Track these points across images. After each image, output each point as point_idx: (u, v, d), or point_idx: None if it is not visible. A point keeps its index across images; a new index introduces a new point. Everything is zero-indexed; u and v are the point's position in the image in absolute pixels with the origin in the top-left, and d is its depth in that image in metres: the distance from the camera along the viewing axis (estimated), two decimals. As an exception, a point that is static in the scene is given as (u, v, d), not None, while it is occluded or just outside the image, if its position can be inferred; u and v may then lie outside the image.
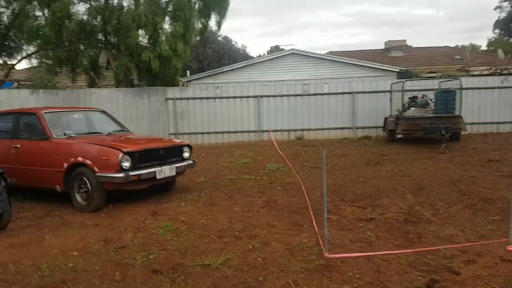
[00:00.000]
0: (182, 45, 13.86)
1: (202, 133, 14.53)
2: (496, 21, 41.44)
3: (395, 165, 9.09)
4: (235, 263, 4.07)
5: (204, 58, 31.90)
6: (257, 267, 3.98)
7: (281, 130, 14.56)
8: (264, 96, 14.49)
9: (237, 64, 20.07)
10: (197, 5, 14.96)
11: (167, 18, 14.89)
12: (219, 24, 15.18)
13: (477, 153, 10.09)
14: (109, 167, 6.02)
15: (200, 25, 15.23)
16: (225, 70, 18.99)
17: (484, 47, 43.74)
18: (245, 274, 3.78)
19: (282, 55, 19.07)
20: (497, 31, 42.55)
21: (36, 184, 6.80)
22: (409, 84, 13.13)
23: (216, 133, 14.60)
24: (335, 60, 18.81)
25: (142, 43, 14.83)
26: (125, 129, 8.02)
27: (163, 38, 13.91)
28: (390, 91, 13.76)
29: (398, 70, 18.54)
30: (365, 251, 4.29)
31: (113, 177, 6.00)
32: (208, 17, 15.10)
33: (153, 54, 13.58)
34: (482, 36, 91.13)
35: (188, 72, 22.96)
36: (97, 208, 6.15)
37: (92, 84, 16.12)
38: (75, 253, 4.48)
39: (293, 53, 18.72)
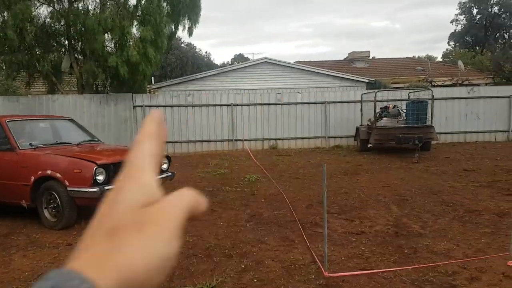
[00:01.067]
0: (153, 51, 13.40)
1: (173, 142, 14.07)
2: (452, 33, 43.34)
3: (372, 175, 9.06)
4: (230, 286, 3.81)
5: (167, 64, 31.44)
6: (254, 289, 3.71)
7: (255, 139, 14.34)
8: (237, 104, 14.25)
9: (210, 71, 19.74)
10: (166, 10, 14.55)
11: (135, 23, 14.38)
12: (190, 30, 14.80)
13: (450, 163, 10.24)
14: (81, 181, 5.57)
15: (169, 31, 14.80)
16: (197, 77, 18.62)
17: (439, 58, 45.54)
18: (243, 299, 3.51)
19: (255, 64, 18.91)
20: (452, 43, 44.48)
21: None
22: (379, 95, 13.28)
23: (188, 142, 14.20)
24: (306, 70, 18.85)
25: (108, 47, 14.25)
26: (95, 139, 7.54)
27: (131, 43, 13.40)
28: (360, 101, 13.85)
29: (367, 81, 18.81)
30: (364, 269, 4.13)
31: (86, 191, 5.55)
32: (178, 22, 14.71)
33: (120, 59, 13.04)
34: (437, 48, 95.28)
35: (152, 78, 22.36)
36: (68, 225, 5.68)
37: (52, 90, 15.32)
38: (49, 278, 4.05)
39: (265, 61, 18.61)
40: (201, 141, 14.24)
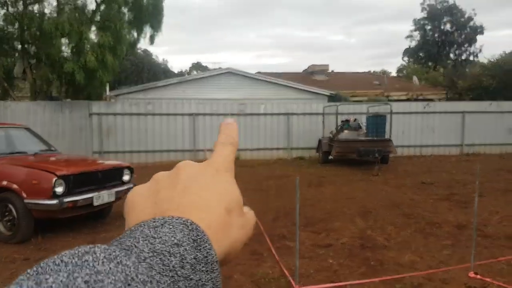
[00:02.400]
0: (111, 57, 13.05)
1: (131, 152, 13.68)
2: (406, 49, 45.19)
3: (336, 187, 9.19)
4: (199, 303, 3.68)
5: (121, 70, 30.68)
6: (224, 305, 3.62)
7: (217, 150, 14.19)
8: (200, 114, 14.10)
9: (171, 79, 19.45)
10: (127, 16, 14.25)
11: (93, 28, 13.99)
12: (152, 38, 14.57)
13: (408, 176, 10.57)
14: (40, 192, 5.29)
15: (131, 38, 14.49)
16: (157, 85, 18.24)
17: (394, 73, 47.26)
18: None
19: (218, 74, 18.77)
20: (406, 58, 46.40)
21: None
22: (340, 108, 13.58)
23: (147, 152, 13.85)
24: (269, 81, 18.91)
25: (65, 53, 13.76)
26: (52, 148, 7.21)
27: (89, 48, 13.00)
28: (322, 114, 14.10)
29: (329, 94, 19.15)
30: (333, 281, 4.15)
31: (44, 204, 5.27)
32: (140, 29, 14.44)
33: (77, 65, 12.60)
34: (390, 63, 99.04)
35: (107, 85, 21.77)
36: (24, 239, 5.37)
37: (4, 96, 14.59)
38: (5, 297, 3.78)
39: (229, 72, 18.51)
40: (161, 151, 13.94)
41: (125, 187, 6.46)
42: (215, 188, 0.39)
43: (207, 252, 0.33)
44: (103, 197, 5.92)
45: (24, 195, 5.26)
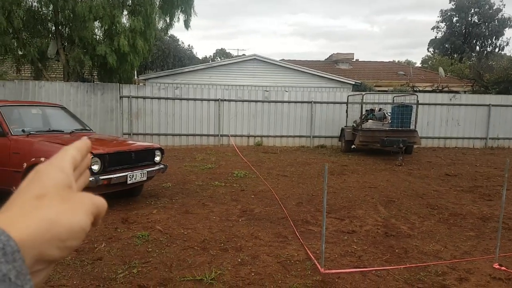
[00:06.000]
0: (142, 42, 13.29)
1: (159, 135, 14.01)
2: (432, 40, 44.33)
3: (358, 176, 9.26)
4: (229, 278, 3.88)
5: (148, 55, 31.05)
6: (253, 283, 3.81)
7: (241, 136, 14.40)
8: (225, 100, 14.28)
9: (198, 65, 19.72)
10: (158, 1, 14.44)
11: (125, 12, 14.23)
12: (186, 23, 14.71)
13: (432, 167, 10.54)
14: (76, 169, 5.53)
15: (162, 23, 14.70)
16: (185, 70, 18.52)
17: (418, 64, 46.41)
18: (244, 291, 3.60)
19: (244, 60, 18.94)
20: (431, 49, 45.50)
21: (-11, 185, 6.10)
22: (365, 97, 13.52)
23: (174, 135, 14.14)
24: (294, 69, 18.99)
25: (97, 36, 14.06)
26: (87, 128, 7.49)
27: (121, 32, 13.25)
28: (346, 103, 14.08)
29: (353, 83, 19.09)
30: (358, 266, 4.27)
31: (80, 180, 5.52)
32: (172, 14, 14.62)
33: (109, 48, 12.90)
34: (413, 53, 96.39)
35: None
36: (61, 214, 5.64)
37: (38, 76, 15.06)
38: (46, 266, 4.05)
39: (254, 58, 18.64)
40: (187, 135, 14.21)
41: (156, 167, 6.71)
42: (32, 180, 0.45)
43: (4, 244, 0.35)
44: (136, 176, 6.17)
45: (62, 171, 5.51)
